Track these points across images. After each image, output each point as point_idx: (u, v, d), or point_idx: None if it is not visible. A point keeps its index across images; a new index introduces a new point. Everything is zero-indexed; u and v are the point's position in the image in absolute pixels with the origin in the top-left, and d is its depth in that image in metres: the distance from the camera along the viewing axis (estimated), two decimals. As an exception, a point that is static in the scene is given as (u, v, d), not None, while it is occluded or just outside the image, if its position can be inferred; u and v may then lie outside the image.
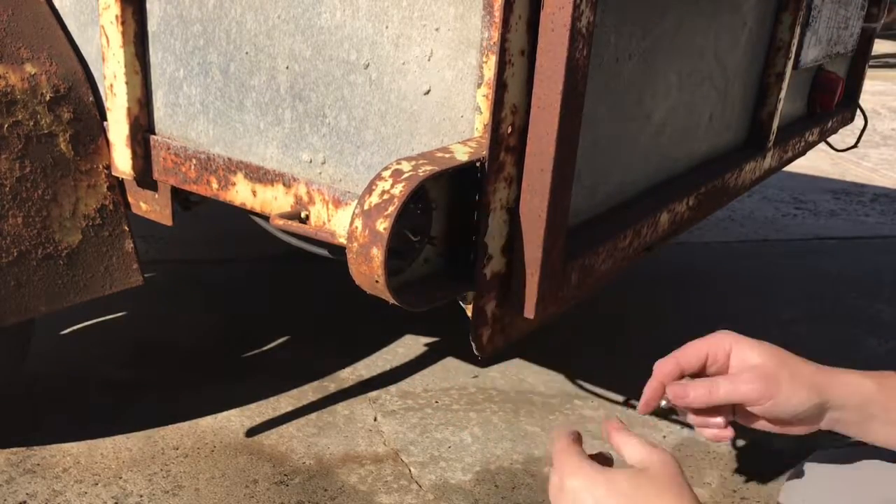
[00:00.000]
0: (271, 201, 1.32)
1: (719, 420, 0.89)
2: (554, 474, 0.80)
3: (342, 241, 1.21)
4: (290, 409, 2.00)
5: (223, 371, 2.14)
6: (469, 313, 1.09)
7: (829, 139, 2.50)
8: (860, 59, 2.59)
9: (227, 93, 1.35)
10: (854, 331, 2.65)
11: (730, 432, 0.90)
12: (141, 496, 1.66)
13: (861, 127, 2.68)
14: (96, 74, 1.54)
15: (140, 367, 2.13)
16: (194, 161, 1.41)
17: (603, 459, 0.83)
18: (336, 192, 1.23)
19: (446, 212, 1.03)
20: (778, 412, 0.85)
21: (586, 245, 1.21)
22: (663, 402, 0.90)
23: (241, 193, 1.36)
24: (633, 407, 2.12)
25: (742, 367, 0.87)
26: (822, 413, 0.85)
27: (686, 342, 0.90)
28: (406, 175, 0.94)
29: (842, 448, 0.99)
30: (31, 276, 1.49)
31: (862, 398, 0.85)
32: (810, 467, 0.98)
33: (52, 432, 1.84)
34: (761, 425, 0.88)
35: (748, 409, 0.87)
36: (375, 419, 1.99)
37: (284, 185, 1.30)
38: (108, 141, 1.54)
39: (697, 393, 0.87)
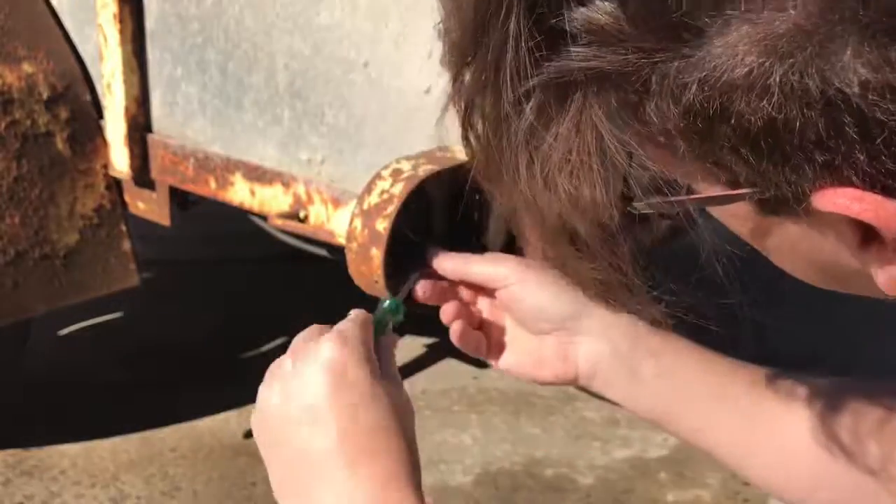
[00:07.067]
0: (270, 201, 1.31)
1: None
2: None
3: (341, 240, 1.20)
4: (289, 410, 1.99)
5: (222, 372, 2.13)
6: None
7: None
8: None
9: (225, 91, 1.34)
10: (855, 331, 2.64)
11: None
12: (139, 498, 1.65)
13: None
14: (94, 73, 1.53)
15: (138, 368, 2.12)
16: (192, 160, 1.40)
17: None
18: (335, 191, 1.23)
19: (446, 211, 1.02)
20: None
21: (587, 245, 1.20)
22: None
23: (240, 193, 1.35)
24: (634, 408, 2.11)
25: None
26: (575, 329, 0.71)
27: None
28: (406, 174, 0.93)
29: None
30: (28, 275, 1.49)
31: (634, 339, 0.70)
32: None
33: (50, 434, 1.83)
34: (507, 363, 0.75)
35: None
36: (375, 420, 1.99)
37: (283, 184, 1.29)
38: (105, 140, 1.53)
39: (453, 262, 0.77)
